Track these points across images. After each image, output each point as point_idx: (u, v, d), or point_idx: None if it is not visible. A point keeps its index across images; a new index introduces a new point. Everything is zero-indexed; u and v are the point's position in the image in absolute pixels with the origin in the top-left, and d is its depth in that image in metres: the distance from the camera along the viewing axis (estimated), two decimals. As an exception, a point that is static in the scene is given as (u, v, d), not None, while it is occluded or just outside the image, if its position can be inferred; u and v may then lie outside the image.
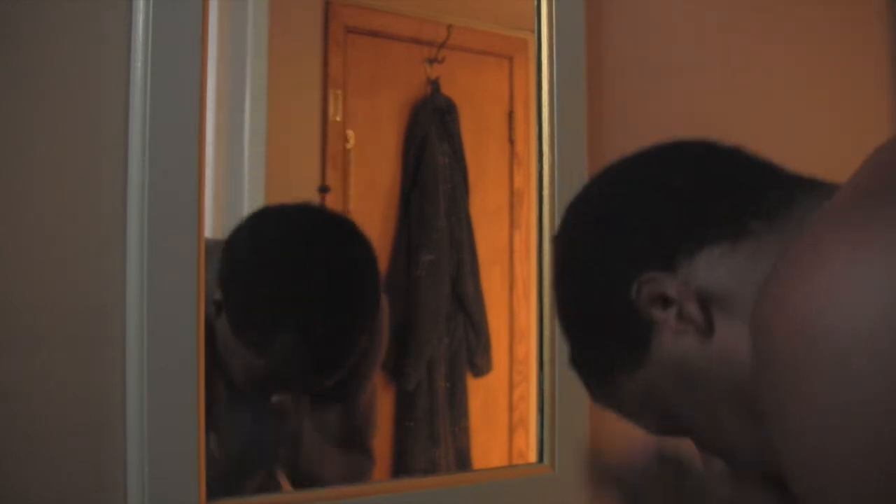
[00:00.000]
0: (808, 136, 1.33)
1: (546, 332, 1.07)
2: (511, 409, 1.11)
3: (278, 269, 0.90)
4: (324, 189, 0.90)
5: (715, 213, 0.59)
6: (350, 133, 1.01)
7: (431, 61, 1.07)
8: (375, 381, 1.01)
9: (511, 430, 1.11)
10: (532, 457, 1.08)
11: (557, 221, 1.08)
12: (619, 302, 0.60)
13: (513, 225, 1.12)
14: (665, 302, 0.59)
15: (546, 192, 1.08)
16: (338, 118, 1.00)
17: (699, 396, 0.59)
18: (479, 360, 1.10)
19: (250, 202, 0.96)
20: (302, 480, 0.93)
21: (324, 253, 0.93)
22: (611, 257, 0.62)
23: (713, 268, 0.58)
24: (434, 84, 1.07)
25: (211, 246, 0.82)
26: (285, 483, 0.91)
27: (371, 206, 1.03)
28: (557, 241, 0.71)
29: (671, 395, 0.60)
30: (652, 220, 0.62)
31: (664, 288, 0.58)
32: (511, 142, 1.12)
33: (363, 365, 0.97)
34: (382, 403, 1.05)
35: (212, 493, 0.84)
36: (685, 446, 0.67)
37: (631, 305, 0.60)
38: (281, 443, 0.91)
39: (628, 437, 0.74)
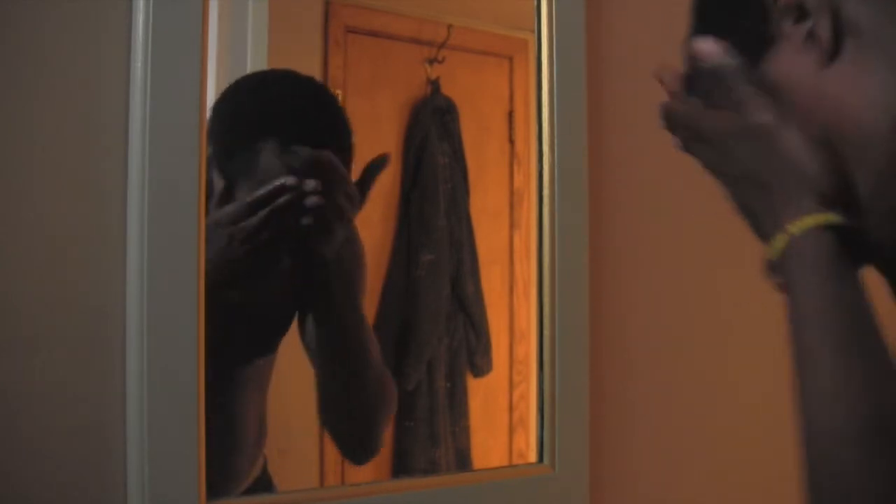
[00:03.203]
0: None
1: (546, 332, 1.07)
2: (511, 409, 1.11)
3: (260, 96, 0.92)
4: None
5: None
6: (350, 133, 1.01)
7: (431, 61, 1.07)
8: (365, 318, 1.00)
9: (511, 430, 1.11)
10: (532, 457, 1.08)
11: (558, 222, 1.09)
12: (755, 4, 0.59)
13: (513, 225, 1.12)
14: (799, 14, 0.57)
15: (546, 192, 1.08)
16: (338, 118, 1.00)
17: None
18: (479, 360, 1.10)
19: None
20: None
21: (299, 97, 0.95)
22: None
23: None
24: (434, 84, 1.07)
25: None
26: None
27: (371, 206, 1.03)
28: None
29: None
30: None
31: None
32: (511, 142, 1.12)
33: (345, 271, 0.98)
34: (382, 403, 1.05)
35: (212, 490, 0.84)
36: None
37: (764, 8, 0.58)
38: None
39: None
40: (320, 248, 0.92)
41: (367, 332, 0.96)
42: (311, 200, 0.88)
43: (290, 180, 0.87)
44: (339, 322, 0.95)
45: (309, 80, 0.96)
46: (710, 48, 0.62)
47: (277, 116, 0.93)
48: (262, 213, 0.87)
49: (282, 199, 0.88)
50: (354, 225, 0.96)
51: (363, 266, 0.99)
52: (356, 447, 0.98)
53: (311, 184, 0.88)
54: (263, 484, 0.93)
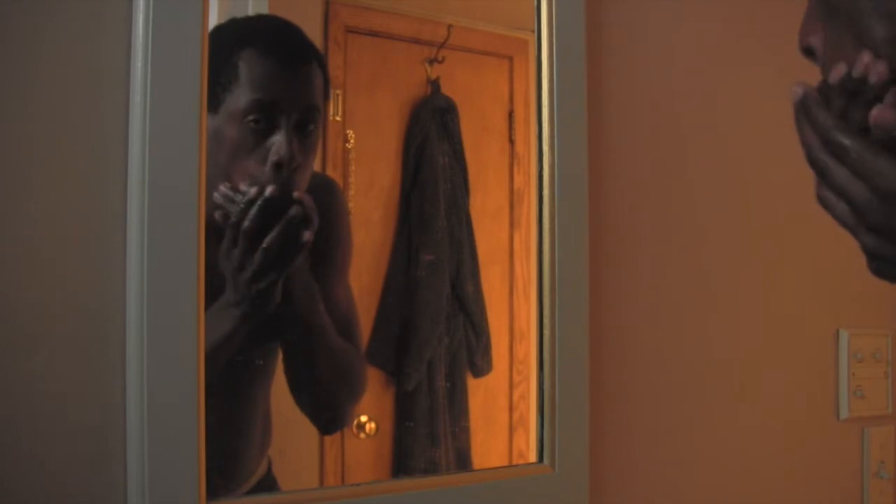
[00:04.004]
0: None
1: (546, 332, 1.07)
2: (511, 409, 1.11)
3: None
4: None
5: None
6: (350, 133, 1.01)
7: (431, 61, 1.07)
8: (349, 284, 1.01)
9: (511, 430, 1.11)
10: (532, 457, 1.08)
11: (558, 222, 1.09)
12: None
13: (513, 225, 1.12)
14: None
15: (546, 192, 1.08)
16: (338, 118, 1.00)
17: None
18: (479, 360, 1.10)
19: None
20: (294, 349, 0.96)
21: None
22: None
23: None
24: (434, 84, 1.07)
25: None
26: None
27: (371, 206, 1.03)
28: None
29: None
30: None
31: None
32: (511, 142, 1.12)
33: (329, 250, 0.99)
34: (382, 403, 1.05)
35: (212, 490, 0.84)
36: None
37: None
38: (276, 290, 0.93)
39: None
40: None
41: (321, 314, 0.97)
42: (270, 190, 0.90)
43: (252, 191, 0.90)
44: (292, 298, 0.95)
45: (282, 18, 0.98)
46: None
47: (253, 31, 0.95)
48: (248, 222, 0.89)
49: (253, 210, 0.89)
50: (345, 205, 0.99)
51: (340, 244, 1.01)
52: (323, 419, 1.00)
53: (269, 189, 0.90)
54: (268, 484, 0.93)
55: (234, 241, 0.89)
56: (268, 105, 0.92)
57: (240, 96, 0.91)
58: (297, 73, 0.96)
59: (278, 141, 0.92)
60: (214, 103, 0.88)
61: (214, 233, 0.88)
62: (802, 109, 0.65)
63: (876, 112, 0.60)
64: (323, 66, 0.98)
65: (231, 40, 0.91)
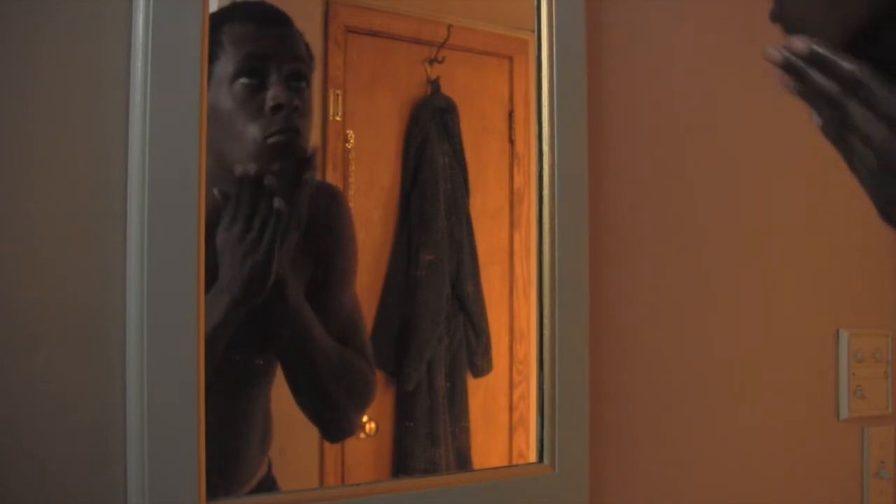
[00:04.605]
0: (809, 131, 1.33)
1: (546, 332, 1.07)
2: (511, 409, 1.11)
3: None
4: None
5: None
6: (350, 133, 1.01)
7: (431, 61, 1.07)
8: (356, 292, 1.01)
9: (511, 430, 1.11)
10: (532, 457, 1.08)
11: (558, 222, 1.09)
12: None
13: (513, 225, 1.12)
14: None
15: (546, 192, 1.08)
16: (338, 118, 1.00)
17: None
18: (479, 360, 1.10)
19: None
20: (295, 367, 0.96)
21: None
22: None
23: None
24: (434, 84, 1.07)
25: None
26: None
27: (371, 206, 1.03)
28: None
29: None
30: None
31: None
32: (511, 142, 1.12)
33: (334, 257, 1.00)
34: (382, 403, 1.05)
35: (211, 490, 0.84)
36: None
37: None
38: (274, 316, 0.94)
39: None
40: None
41: (310, 318, 0.97)
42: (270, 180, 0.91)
43: (250, 168, 0.90)
44: (282, 305, 0.95)
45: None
46: None
47: (232, 8, 0.95)
48: (244, 205, 0.89)
49: (247, 181, 0.90)
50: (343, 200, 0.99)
51: (345, 252, 1.01)
52: (328, 429, 1.00)
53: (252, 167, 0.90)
54: (268, 485, 0.93)
55: (239, 203, 0.89)
56: (257, 57, 0.92)
57: (227, 62, 0.91)
58: (278, 33, 0.96)
59: (273, 88, 0.92)
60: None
61: (214, 212, 0.88)
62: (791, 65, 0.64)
63: None
64: (300, 34, 0.98)
65: (213, 23, 0.91)
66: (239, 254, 0.89)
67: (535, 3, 1.10)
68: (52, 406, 0.80)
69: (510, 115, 1.12)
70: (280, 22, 0.96)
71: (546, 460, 1.07)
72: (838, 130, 0.64)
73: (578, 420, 1.09)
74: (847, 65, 0.61)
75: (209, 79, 0.88)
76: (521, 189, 1.11)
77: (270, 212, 0.90)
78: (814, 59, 0.62)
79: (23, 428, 0.79)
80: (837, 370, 1.42)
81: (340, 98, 1.00)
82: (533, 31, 1.10)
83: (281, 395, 0.96)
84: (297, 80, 0.95)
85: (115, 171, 0.83)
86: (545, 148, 1.08)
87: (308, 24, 0.98)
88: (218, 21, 0.91)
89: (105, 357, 0.82)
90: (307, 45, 0.97)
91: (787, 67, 0.64)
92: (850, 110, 0.62)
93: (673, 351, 1.24)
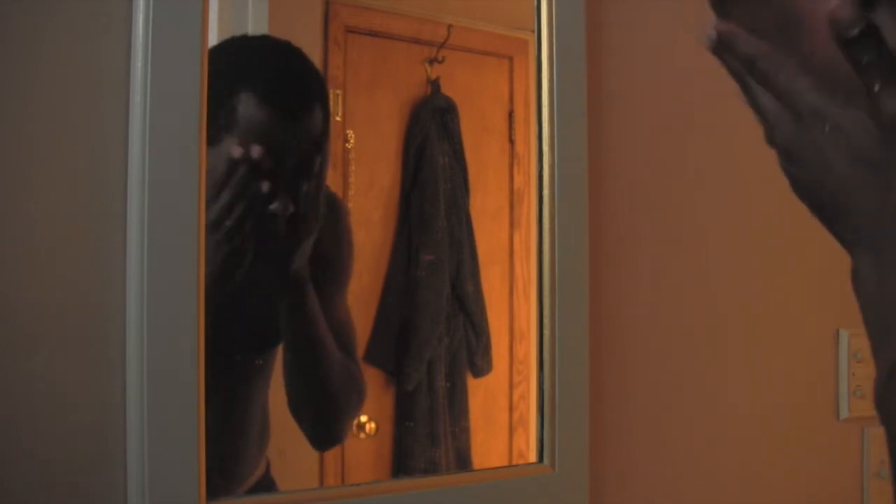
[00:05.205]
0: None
1: (546, 332, 1.07)
2: (511, 409, 1.11)
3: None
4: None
5: None
6: (350, 133, 1.01)
7: (431, 61, 1.07)
8: (347, 304, 1.01)
9: (511, 430, 1.11)
10: (532, 457, 1.08)
11: (558, 222, 1.09)
12: None
13: (513, 225, 1.12)
14: None
15: (546, 192, 1.08)
16: (338, 118, 1.00)
17: None
18: (479, 360, 1.10)
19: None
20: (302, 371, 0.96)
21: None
22: None
23: None
24: (434, 84, 1.07)
25: None
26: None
27: (371, 206, 1.03)
28: None
29: None
30: None
31: None
32: (511, 142, 1.12)
33: (330, 265, 1.00)
34: (382, 403, 1.05)
35: (211, 490, 0.84)
36: None
37: None
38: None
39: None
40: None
41: (322, 327, 0.97)
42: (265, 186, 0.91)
43: (236, 150, 0.90)
44: (293, 314, 0.96)
45: (285, 43, 0.97)
46: None
47: (252, 69, 0.94)
48: (226, 196, 0.89)
49: (239, 173, 0.89)
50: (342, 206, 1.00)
51: (341, 261, 1.01)
52: (319, 435, 0.99)
53: (256, 150, 0.90)
54: (266, 485, 0.93)
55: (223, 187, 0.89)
56: (269, 153, 0.91)
57: (234, 146, 0.90)
58: (296, 120, 0.95)
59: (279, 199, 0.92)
60: (215, 138, 0.88)
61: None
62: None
63: (834, 6, 0.57)
64: (323, 99, 0.97)
65: (229, 77, 0.90)
66: (213, 238, 0.89)
67: (535, 3, 1.09)
68: (52, 406, 0.80)
69: (510, 115, 1.12)
70: (304, 103, 0.95)
71: (546, 460, 1.07)
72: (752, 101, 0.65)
73: (578, 420, 1.09)
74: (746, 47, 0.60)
75: (219, 143, 0.88)
76: (521, 189, 1.11)
77: (255, 203, 0.90)
78: (724, 42, 0.63)
79: (23, 428, 0.79)
80: (837, 370, 1.42)
81: (340, 98, 1.00)
82: (533, 31, 1.10)
83: (281, 395, 0.96)
84: (309, 165, 0.95)
85: (115, 171, 0.83)
86: (545, 148, 1.08)
87: (308, 25, 0.98)
88: (236, 79, 0.91)
89: (105, 357, 0.82)
90: (327, 115, 0.97)
91: (714, 52, 0.64)
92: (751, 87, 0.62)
93: (673, 351, 1.24)
